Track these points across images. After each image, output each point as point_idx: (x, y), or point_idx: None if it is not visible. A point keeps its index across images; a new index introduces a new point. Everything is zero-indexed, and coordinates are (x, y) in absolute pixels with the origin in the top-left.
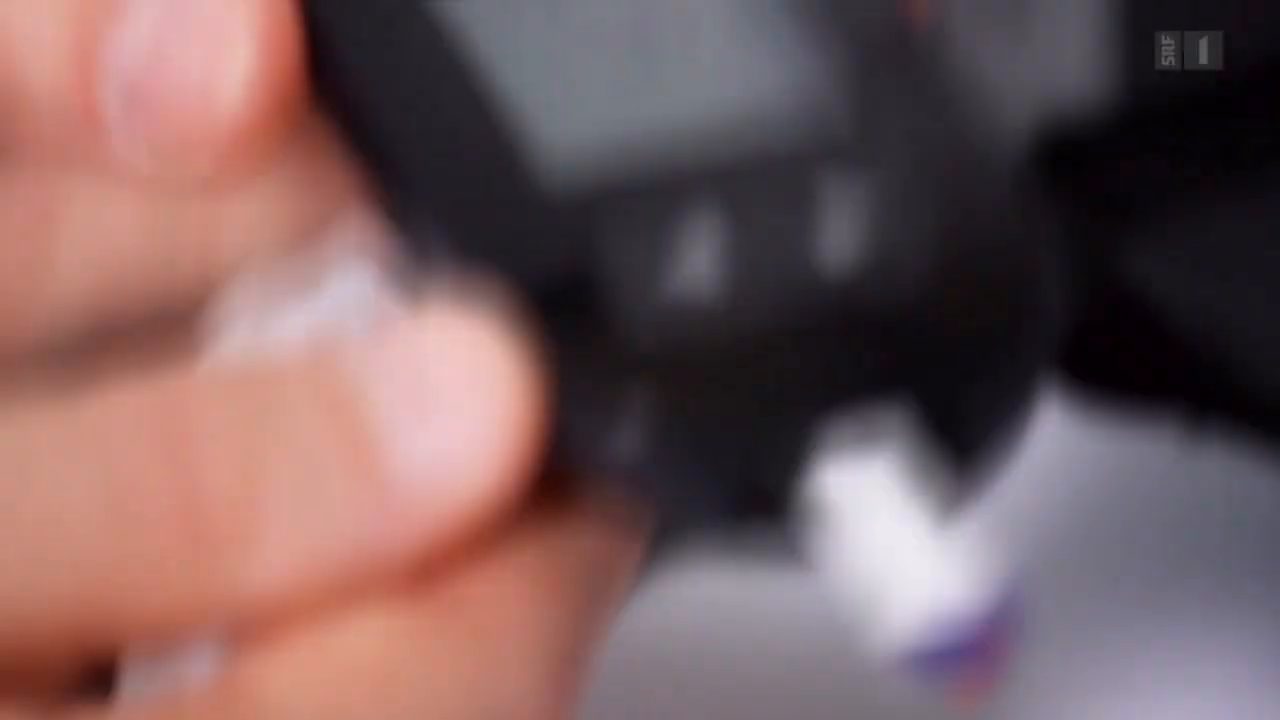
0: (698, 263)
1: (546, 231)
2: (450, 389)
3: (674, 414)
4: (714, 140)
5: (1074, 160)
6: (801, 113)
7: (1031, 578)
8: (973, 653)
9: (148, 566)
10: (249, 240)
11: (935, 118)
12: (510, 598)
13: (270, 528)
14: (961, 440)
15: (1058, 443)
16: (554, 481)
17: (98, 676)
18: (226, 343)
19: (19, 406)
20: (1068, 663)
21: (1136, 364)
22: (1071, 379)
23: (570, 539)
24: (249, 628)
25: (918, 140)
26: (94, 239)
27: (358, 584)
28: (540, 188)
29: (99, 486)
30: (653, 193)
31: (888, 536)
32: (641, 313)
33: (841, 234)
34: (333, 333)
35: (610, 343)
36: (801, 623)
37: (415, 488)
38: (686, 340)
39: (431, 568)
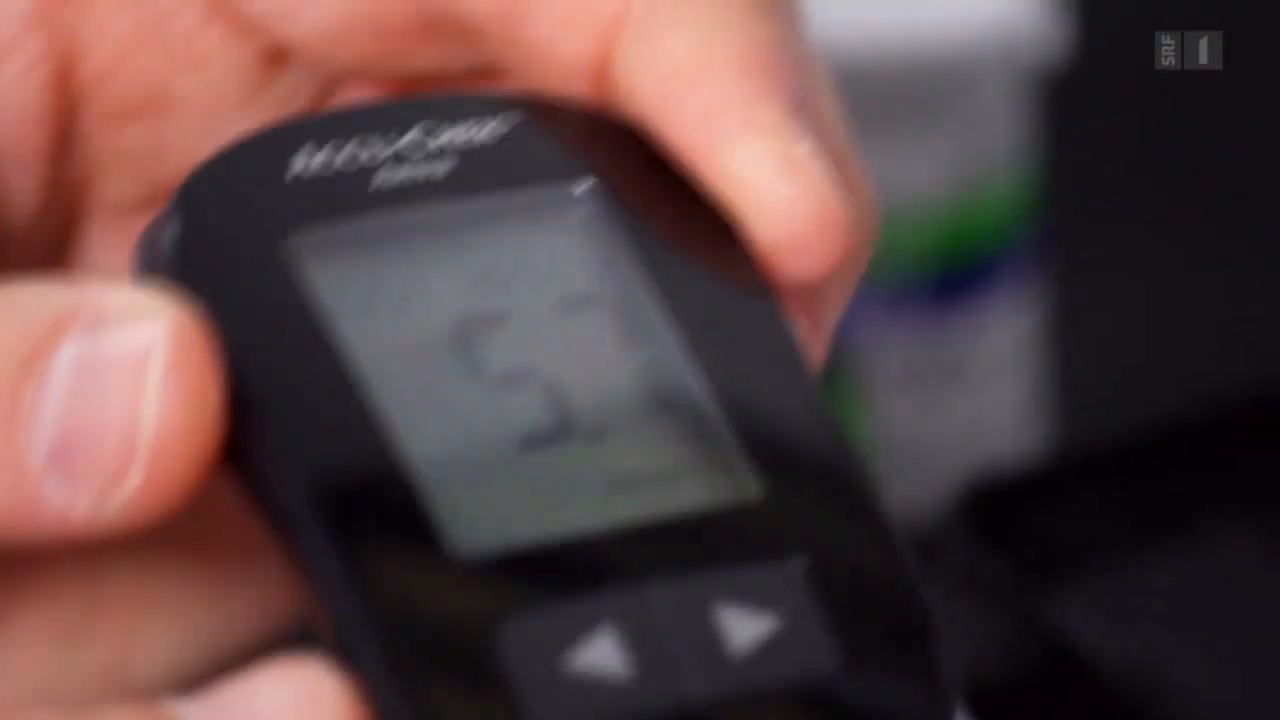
0: (602, 646)
1: (450, 599)
2: None
3: None
4: (628, 528)
5: (1001, 514)
6: (715, 506)
7: None
8: None
9: None
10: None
11: (845, 509)
12: None
13: None
14: None
15: None
16: None
17: None
18: None
19: None
20: None
21: (1066, 715)
22: None
23: None
24: None
25: (827, 532)
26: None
27: None
28: (449, 559)
29: None
30: (561, 573)
31: None
32: (541, 693)
33: (748, 622)
34: None
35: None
36: None
37: None
38: None
39: None
